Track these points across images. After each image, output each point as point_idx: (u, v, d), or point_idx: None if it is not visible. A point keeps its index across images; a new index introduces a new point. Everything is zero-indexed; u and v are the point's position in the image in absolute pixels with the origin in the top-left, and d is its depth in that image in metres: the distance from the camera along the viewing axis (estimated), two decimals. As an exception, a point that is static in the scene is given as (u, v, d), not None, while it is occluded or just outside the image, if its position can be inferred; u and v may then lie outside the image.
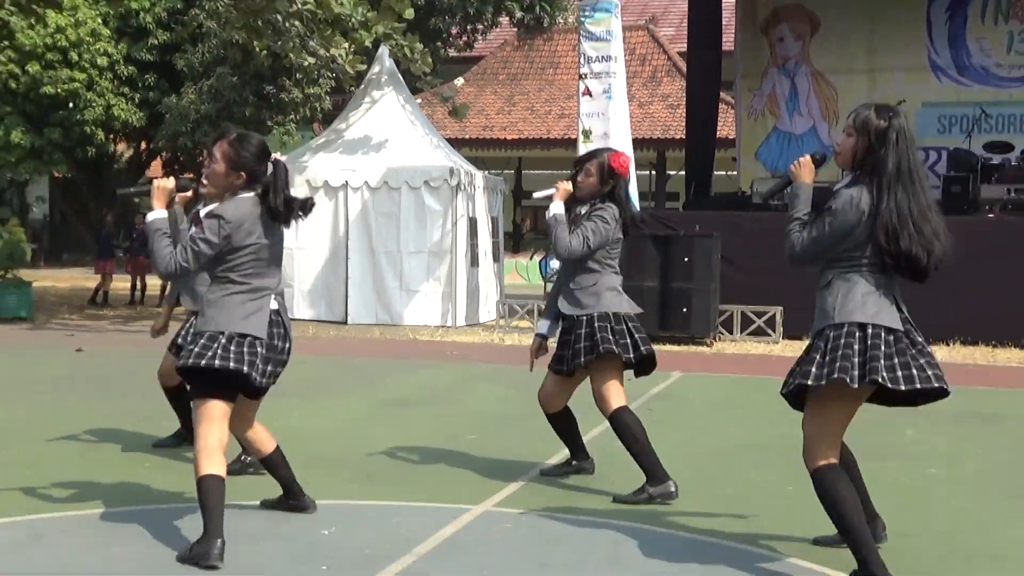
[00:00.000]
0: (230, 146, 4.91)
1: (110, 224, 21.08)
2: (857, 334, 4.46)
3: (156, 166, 7.33)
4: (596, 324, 5.86)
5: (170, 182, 5.06)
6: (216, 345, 4.76)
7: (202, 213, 4.97)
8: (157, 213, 4.98)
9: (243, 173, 4.89)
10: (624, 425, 5.88)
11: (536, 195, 6.12)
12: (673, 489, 5.81)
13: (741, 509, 5.68)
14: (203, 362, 4.73)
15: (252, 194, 4.92)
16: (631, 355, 5.88)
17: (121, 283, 20.99)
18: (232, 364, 4.74)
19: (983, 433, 8.17)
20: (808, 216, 4.78)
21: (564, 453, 6.62)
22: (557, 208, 5.98)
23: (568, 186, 6.05)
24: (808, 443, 4.61)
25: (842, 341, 4.46)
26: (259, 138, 5.05)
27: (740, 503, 5.80)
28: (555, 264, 19.43)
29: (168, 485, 5.94)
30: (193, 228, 4.94)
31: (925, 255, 4.54)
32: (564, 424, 6.37)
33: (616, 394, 5.93)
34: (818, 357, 4.51)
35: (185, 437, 7.09)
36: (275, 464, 5.40)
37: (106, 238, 20.41)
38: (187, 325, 6.72)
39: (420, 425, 7.90)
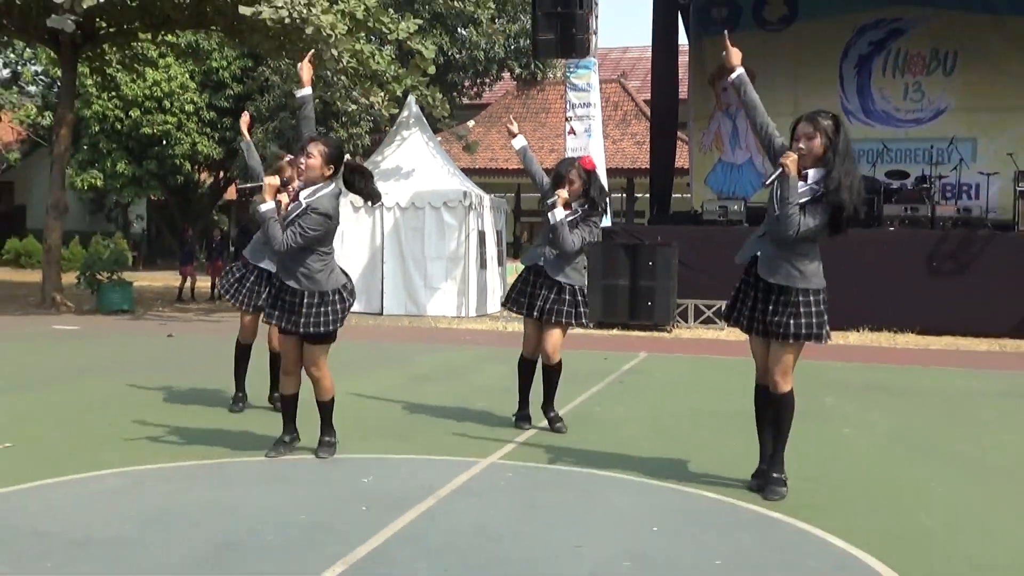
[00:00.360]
0: (325, 145, 5.21)
1: (190, 236, 20.97)
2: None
3: (245, 119, 7.00)
4: (580, 297, 6.21)
5: (276, 180, 5.26)
6: (330, 309, 5.19)
7: (303, 197, 5.18)
8: (268, 204, 5.17)
9: (332, 166, 5.21)
10: (558, 371, 6.40)
11: (549, 201, 6.21)
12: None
13: (694, 460, 5.65)
14: (332, 327, 5.22)
15: (334, 186, 5.22)
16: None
17: (202, 283, 21.02)
18: (342, 323, 5.26)
19: (887, 401, 8.14)
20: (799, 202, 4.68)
21: (543, 424, 6.59)
22: (560, 214, 6.12)
23: (566, 195, 6.18)
24: (785, 372, 4.76)
25: (825, 304, 4.74)
26: (340, 139, 5.14)
27: (694, 456, 5.77)
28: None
29: (240, 442, 5.91)
30: (291, 206, 5.20)
31: (860, 212, 4.76)
32: (533, 373, 6.50)
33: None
34: (814, 312, 4.71)
35: (242, 399, 7.08)
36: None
37: (186, 247, 20.31)
38: (253, 284, 6.71)
39: (440, 395, 7.87)
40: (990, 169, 15.93)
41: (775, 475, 4.85)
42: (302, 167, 5.20)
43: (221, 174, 33.49)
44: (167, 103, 28.56)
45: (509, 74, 33.18)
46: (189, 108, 28.96)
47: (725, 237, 14.50)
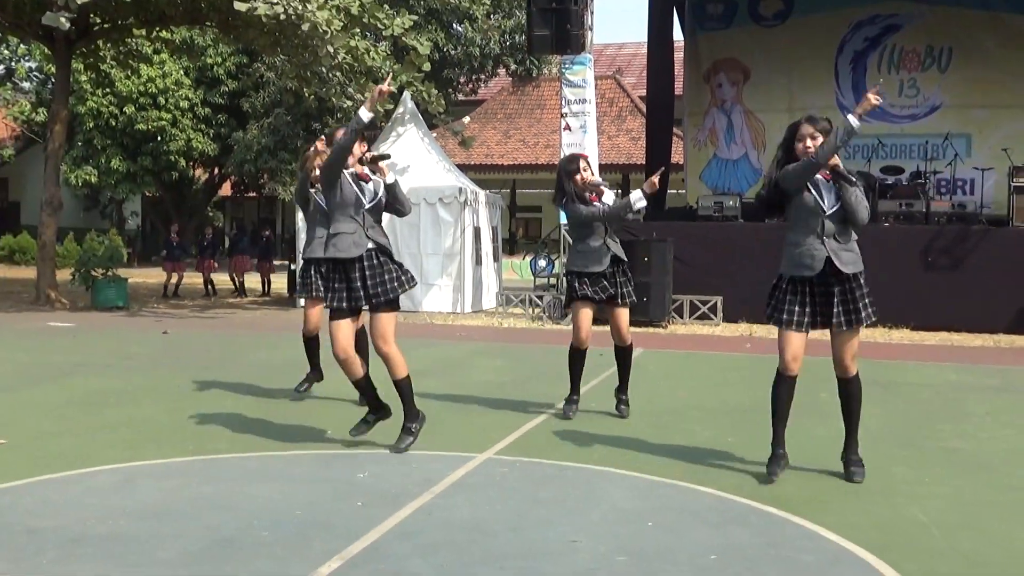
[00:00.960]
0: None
1: (176, 233, 20.76)
2: None
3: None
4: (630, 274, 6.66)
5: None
6: (396, 273, 5.59)
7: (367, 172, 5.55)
8: (390, 177, 5.61)
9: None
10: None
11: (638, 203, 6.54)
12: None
13: (690, 455, 5.66)
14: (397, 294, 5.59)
15: None
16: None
17: (193, 280, 20.98)
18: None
19: (881, 396, 8.15)
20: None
21: (551, 411, 6.60)
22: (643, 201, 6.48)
23: (600, 184, 6.58)
24: (855, 356, 5.14)
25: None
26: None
27: (689, 451, 5.78)
28: (542, 263, 19.40)
29: (237, 438, 5.91)
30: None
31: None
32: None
33: None
34: (867, 294, 5.04)
35: (315, 379, 7.47)
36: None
37: (171, 245, 20.08)
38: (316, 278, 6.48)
39: (435, 390, 7.87)
40: (985, 165, 15.95)
41: (857, 456, 5.20)
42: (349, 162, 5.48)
43: (216, 170, 33.43)
44: (162, 99, 28.50)
45: (504, 70, 33.15)
46: (184, 104, 28.90)
47: (720, 233, 14.53)
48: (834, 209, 5.00)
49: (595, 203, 6.51)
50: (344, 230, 5.44)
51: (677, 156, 20.83)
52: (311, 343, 7.54)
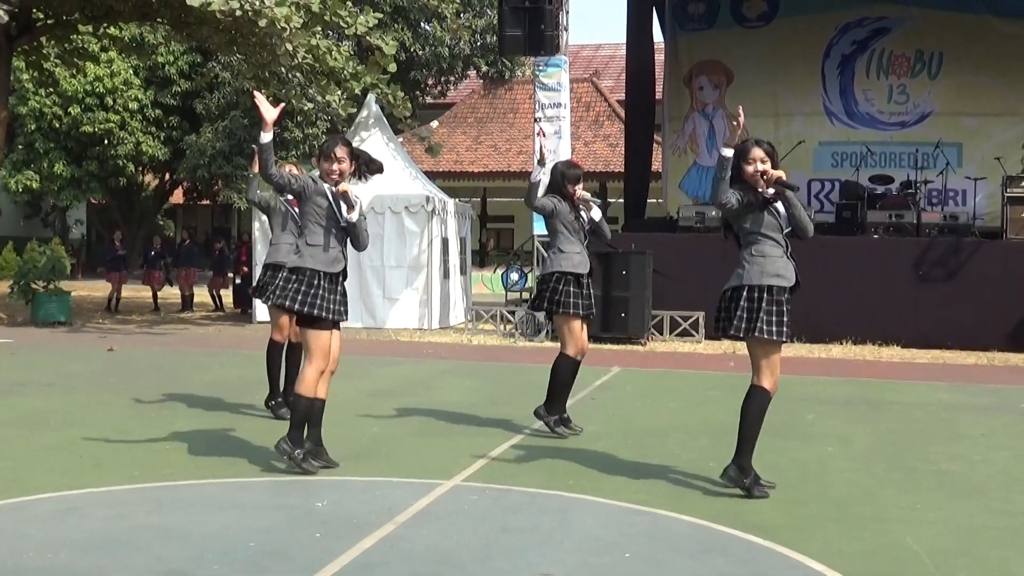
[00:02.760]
0: (344, 143, 5.73)
1: (118, 242, 20.51)
2: None
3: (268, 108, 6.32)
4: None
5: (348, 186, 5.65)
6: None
7: (350, 196, 5.62)
8: (358, 210, 5.64)
9: (354, 160, 5.75)
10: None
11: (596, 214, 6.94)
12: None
13: (669, 480, 5.66)
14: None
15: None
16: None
17: (137, 292, 20.80)
18: None
19: (871, 416, 8.20)
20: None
21: (522, 435, 6.59)
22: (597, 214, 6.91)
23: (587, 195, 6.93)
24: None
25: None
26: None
27: (668, 475, 5.79)
28: (514, 276, 19.43)
29: (187, 463, 5.85)
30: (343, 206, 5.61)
31: None
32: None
33: None
34: (787, 312, 5.25)
35: (286, 400, 7.34)
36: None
37: (113, 254, 19.85)
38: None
39: (398, 412, 7.84)
40: (977, 174, 16.15)
41: (738, 464, 5.37)
42: (335, 175, 5.64)
43: (167, 176, 33.24)
44: (109, 100, 28.31)
45: (475, 72, 33.24)
46: (133, 106, 28.73)
47: (702, 245, 14.58)
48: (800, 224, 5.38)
49: (584, 212, 6.88)
50: (321, 243, 5.65)
51: (657, 164, 20.95)
52: (277, 354, 7.48)
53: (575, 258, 6.83)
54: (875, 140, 17.38)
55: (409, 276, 16.06)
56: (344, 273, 5.71)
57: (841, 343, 13.69)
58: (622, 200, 19.54)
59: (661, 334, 14.43)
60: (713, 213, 15.29)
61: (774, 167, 5.25)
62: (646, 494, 5.34)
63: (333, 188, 5.64)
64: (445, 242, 16.70)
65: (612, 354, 12.40)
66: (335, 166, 5.65)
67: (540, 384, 6.94)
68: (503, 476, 5.71)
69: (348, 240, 5.76)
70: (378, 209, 16.01)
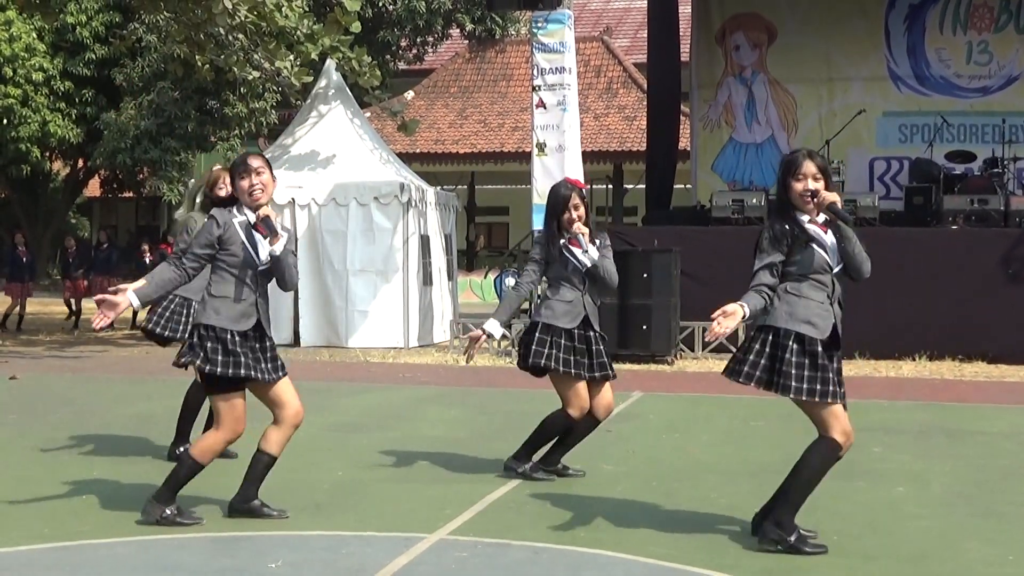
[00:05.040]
0: (257, 155, 5.75)
1: (22, 246, 20.30)
2: None
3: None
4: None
5: (270, 210, 5.67)
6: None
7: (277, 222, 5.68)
8: (283, 241, 5.64)
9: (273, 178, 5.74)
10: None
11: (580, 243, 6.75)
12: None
13: (705, 532, 5.66)
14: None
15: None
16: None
17: (50, 306, 20.74)
18: None
19: (950, 449, 8.20)
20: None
21: (508, 487, 6.59)
22: (594, 252, 6.68)
23: (586, 229, 6.67)
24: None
25: None
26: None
27: (703, 526, 5.78)
28: (509, 282, 19.44)
29: (107, 517, 5.83)
30: (268, 239, 5.62)
31: None
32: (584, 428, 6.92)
33: None
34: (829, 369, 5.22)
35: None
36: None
37: (16, 260, 19.69)
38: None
39: (369, 450, 7.83)
40: (1079, 149, 16.19)
41: (781, 519, 5.35)
42: (256, 190, 5.61)
43: (80, 163, 33.22)
44: (8, 71, 28.28)
45: (459, 31, 33.28)
46: (37, 77, 28.69)
47: (740, 240, 14.57)
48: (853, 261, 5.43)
49: (575, 250, 6.68)
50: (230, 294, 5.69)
51: (684, 141, 20.99)
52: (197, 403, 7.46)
53: (558, 308, 6.72)
54: (952, 109, 17.40)
55: (378, 283, 16.04)
56: (259, 327, 5.70)
57: (914, 359, 13.69)
58: (642, 186, 19.58)
59: (692, 350, 14.43)
60: (754, 200, 15.33)
61: (827, 188, 5.27)
62: (676, 548, 5.33)
63: (253, 214, 5.64)
64: (425, 240, 16.70)
65: (632, 376, 12.40)
66: (255, 179, 5.61)
67: (542, 414, 6.93)
68: (499, 528, 5.70)
69: (270, 282, 5.77)
70: (341, 200, 16.03)
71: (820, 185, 5.24)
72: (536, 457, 6.91)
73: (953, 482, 7.04)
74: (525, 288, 6.91)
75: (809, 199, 5.25)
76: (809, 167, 5.27)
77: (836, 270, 5.30)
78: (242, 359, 5.57)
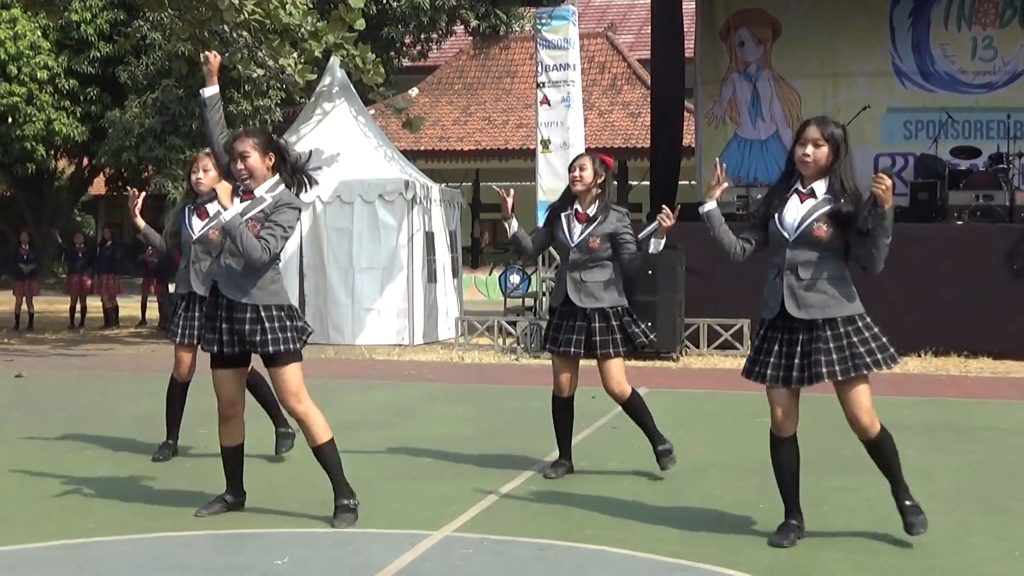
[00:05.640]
0: (251, 135, 5.67)
1: (26, 244, 20.26)
2: None
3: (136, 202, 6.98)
4: (624, 318, 6.73)
5: (227, 185, 5.54)
6: (290, 325, 5.61)
7: (264, 192, 5.60)
8: (232, 212, 5.45)
9: (272, 153, 5.63)
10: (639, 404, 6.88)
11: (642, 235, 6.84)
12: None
13: (710, 529, 5.65)
14: (297, 345, 5.62)
15: (279, 177, 5.66)
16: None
17: (57, 304, 20.76)
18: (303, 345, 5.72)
19: (956, 445, 8.20)
20: None
21: (528, 473, 6.58)
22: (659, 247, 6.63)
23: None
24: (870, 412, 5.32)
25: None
26: (264, 128, 5.60)
27: (709, 523, 5.78)
28: (515, 279, 19.43)
29: (112, 515, 5.84)
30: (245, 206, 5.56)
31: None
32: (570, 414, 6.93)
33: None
34: (871, 337, 5.24)
35: (171, 447, 7.49)
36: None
37: (20, 259, 19.64)
38: (188, 311, 7.16)
39: (375, 447, 7.83)
40: (1084, 144, 16.16)
41: (908, 503, 5.36)
42: (243, 175, 5.60)
43: (85, 161, 33.24)
44: (13, 69, 28.30)
45: (463, 28, 33.27)
46: (42, 75, 28.72)
47: (745, 236, 14.57)
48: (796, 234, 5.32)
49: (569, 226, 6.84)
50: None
51: (689, 137, 20.98)
52: (179, 398, 7.56)
53: (555, 287, 6.99)
54: (957, 105, 17.37)
55: (384, 280, 16.06)
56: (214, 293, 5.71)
57: (919, 355, 13.68)
58: (647, 182, 19.57)
59: (697, 347, 14.43)
60: (759, 196, 15.27)
61: (834, 155, 5.28)
62: (683, 545, 5.33)
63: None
64: (429, 237, 16.70)
65: (637, 372, 12.39)
66: (239, 164, 5.61)
67: (548, 411, 6.94)
68: (504, 525, 5.70)
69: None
70: (346, 198, 16.04)
71: (822, 151, 5.24)
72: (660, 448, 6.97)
73: (959, 478, 7.04)
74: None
75: (807, 163, 5.27)
76: (811, 132, 5.29)
77: (792, 239, 5.28)
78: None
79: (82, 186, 34.71)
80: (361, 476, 6.88)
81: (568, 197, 6.89)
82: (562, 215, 6.87)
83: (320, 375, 12.25)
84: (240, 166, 5.59)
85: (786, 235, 5.28)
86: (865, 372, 5.24)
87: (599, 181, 6.84)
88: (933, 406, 10.18)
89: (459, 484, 6.66)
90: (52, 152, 31.67)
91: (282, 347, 5.56)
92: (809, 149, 5.26)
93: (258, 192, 5.61)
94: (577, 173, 6.81)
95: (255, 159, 5.59)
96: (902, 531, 5.38)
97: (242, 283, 5.57)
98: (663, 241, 6.56)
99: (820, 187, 5.30)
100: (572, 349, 6.70)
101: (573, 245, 6.75)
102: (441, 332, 16.94)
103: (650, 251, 6.58)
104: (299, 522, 5.73)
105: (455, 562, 5.05)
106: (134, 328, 19.15)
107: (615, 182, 7.06)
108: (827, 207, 5.23)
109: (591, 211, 6.79)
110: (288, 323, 5.62)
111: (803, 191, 5.31)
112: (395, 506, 6.13)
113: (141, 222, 7.46)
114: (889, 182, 5.07)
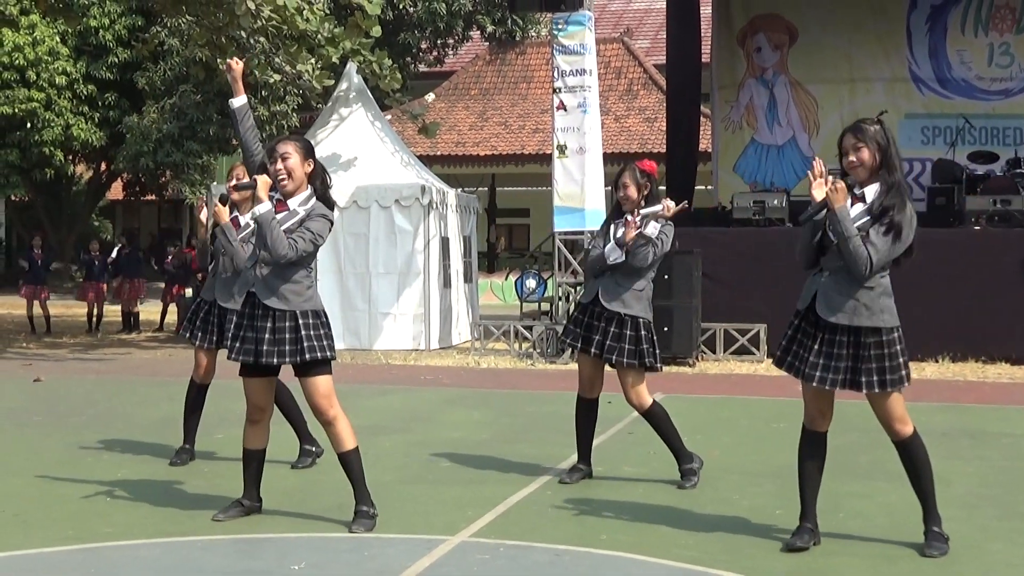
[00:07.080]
0: (295, 141, 5.77)
1: (38, 248, 20.26)
2: None
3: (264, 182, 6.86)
4: (643, 332, 6.75)
5: (267, 179, 5.62)
6: (324, 332, 5.72)
7: (297, 205, 5.65)
8: (266, 205, 5.54)
9: (311, 161, 5.70)
10: (661, 416, 6.88)
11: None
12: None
13: (726, 535, 5.65)
14: (332, 352, 5.78)
15: (311, 190, 5.72)
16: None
17: (75, 309, 20.82)
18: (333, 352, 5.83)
19: (973, 451, 8.16)
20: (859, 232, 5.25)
21: (544, 478, 6.59)
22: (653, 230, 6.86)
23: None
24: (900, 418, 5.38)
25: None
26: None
27: (725, 528, 5.77)
28: (531, 283, 19.44)
29: (130, 519, 5.86)
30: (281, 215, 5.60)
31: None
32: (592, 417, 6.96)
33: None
34: (901, 352, 5.27)
35: (188, 451, 7.52)
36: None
37: (33, 262, 19.53)
38: (209, 316, 7.32)
39: (391, 453, 7.84)
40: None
41: (935, 529, 5.34)
42: (281, 175, 5.64)
43: (103, 167, 33.35)
44: (32, 74, 28.42)
45: (479, 33, 33.28)
46: (61, 81, 28.82)
47: (762, 242, 14.55)
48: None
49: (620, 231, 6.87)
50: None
51: (705, 142, 20.97)
52: (199, 402, 7.63)
53: (587, 284, 7.11)
54: (974, 111, 17.31)
55: (401, 285, 16.08)
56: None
57: (936, 361, 13.63)
58: (663, 187, 19.49)
59: (713, 352, 14.40)
60: (776, 202, 15.29)
61: (870, 157, 5.27)
62: (698, 550, 5.33)
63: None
64: (445, 242, 16.72)
65: (652, 378, 12.36)
66: (279, 165, 5.66)
67: (564, 416, 6.94)
68: (520, 530, 5.70)
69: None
70: (362, 203, 16.07)
71: (863, 152, 5.26)
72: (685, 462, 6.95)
73: (977, 484, 7.01)
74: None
75: (856, 168, 5.29)
76: (847, 140, 5.33)
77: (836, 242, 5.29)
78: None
79: (100, 191, 34.80)
80: (377, 480, 6.89)
81: (620, 207, 7.00)
82: (612, 223, 6.97)
83: (337, 380, 12.21)
84: (279, 166, 5.63)
85: (834, 238, 5.31)
86: (899, 388, 5.32)
87: (644, 193, 6.95)
88: (950, 412, 10.14)
89: (475, 489, 6.66)
90: (70, 157, 31.80)
91: (319, 355, 5.66)
92: (851, 156, 5.30)
93: (292, 204, 5.64)
94: (623, 193, 6.91)
95: (295, 161, 5.64)
96: (919, 537, 5.37)
97: (280, 291, 5.63)
98: (660, 226, 6.86)
99: (870, 191, 5.31)
100: (592, 350, 6.74)
101: (613, 242, 6.83)
102: (456, 337, 16.94)
103: (645, 231, 6.77)
104: (316, 526, 5.75)
105: (472, 567, 5.06)
106: (151, 332, 19.21)
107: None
108: (867, 216, 5.27)
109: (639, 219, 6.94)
110: (323, 330, 5.70)
111: (856, 194, 5.34)
112: (412, 511, 6.14)
113: (206, 233, 7.48)
114: (832, 183, 5.23)
